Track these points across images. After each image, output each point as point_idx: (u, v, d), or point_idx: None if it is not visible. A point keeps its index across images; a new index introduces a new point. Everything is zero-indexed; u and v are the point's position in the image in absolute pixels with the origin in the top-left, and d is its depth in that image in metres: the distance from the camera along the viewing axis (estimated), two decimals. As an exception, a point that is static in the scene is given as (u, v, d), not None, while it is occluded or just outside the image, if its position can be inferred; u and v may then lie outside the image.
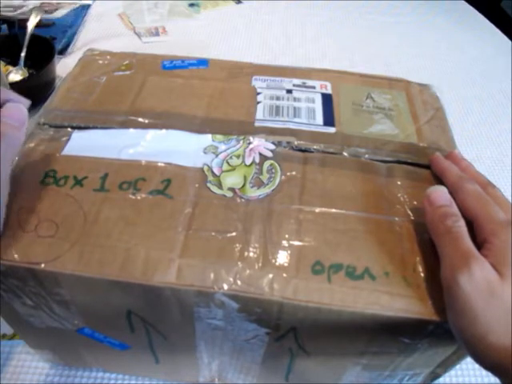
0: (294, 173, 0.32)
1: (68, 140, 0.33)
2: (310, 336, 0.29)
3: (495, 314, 0.23)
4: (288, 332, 0.29)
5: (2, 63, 0.68)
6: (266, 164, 0.32)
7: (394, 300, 0.26)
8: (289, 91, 0.39)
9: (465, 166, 0.32)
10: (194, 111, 0.36)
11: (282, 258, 0.27)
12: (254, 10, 0.94)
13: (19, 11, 0.80)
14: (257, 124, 0.36)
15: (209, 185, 0.31)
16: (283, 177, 0.32)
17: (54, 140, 0.33)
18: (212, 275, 0.26)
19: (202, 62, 0.42)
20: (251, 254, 0.27)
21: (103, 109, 0.36)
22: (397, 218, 0.30)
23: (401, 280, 0.27)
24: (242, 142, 0.34)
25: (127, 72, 0.40)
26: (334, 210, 0.30)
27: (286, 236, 0.28)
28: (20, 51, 0.68)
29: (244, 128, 0.35)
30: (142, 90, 0.38)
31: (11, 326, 0.36)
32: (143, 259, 0.27)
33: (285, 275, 0.26)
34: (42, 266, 0.26)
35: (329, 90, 0.40)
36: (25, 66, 0.68)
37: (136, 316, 0.30)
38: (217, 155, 0.33)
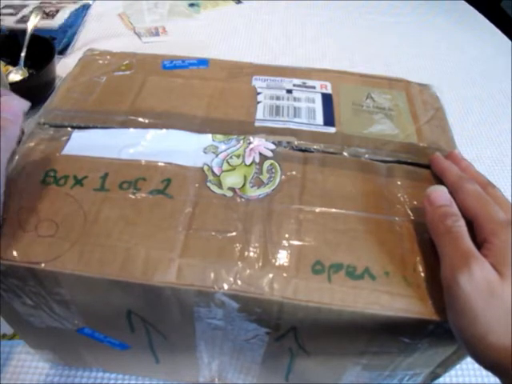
0: (294, 173, 0.32)
1: (68, 140, 0.33)
2: (310, 336, 0.29)
3: (495, 313, 0.23)
4: (288, 332, 0.29)
5: (2, 63, 0.68)
6: (266, 164, 0.32)
7: (394, 300, 0.26)
8: (289, 91, 0.39)
9: (465, 165, 0.32)
10: (194, 111, 0.36)
11: (282, 257, 0.27)
12: (254, 10, 0.94)
13: (19, 16, 0.80)
14: (257, 124, 0.36)
15: (209, 184, 0.31)
16: (283, 176, 0.32)
17: (54, 140, 0.33)
18: (212, 275, 0.26)
19: (202, 62, 0.42)
20: (251, 254, 0.27)
21: (103, 108, 0.36)
22: (397, 218, 0.30)
23: (401, 280, 0.27)
24: (242, 141, 0.34)
25: (127, 72, 0.40)
26: (334, 210, 0.30)
27: (286, 236, 0.28)
28: (20, 51, 0.68)
29: (244, 128, 0.35)
30: (142, 89, 0.38)
31: (11, 326, 0.36)
32: (143, 259, 0.27)
33: (285, 275, 0.26)
34: (42, 265, 0.26)
35: (329, 90, 0.40)
36: (25, 66, 0.68)
37: (136, 316, 0.30)
38: (217, 155, 0.33)
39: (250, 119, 0.36)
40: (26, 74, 0.68)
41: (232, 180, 0.31)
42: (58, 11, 0.84)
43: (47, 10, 0.84)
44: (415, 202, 0.31)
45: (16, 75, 0.67)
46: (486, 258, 0.24)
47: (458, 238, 0.25)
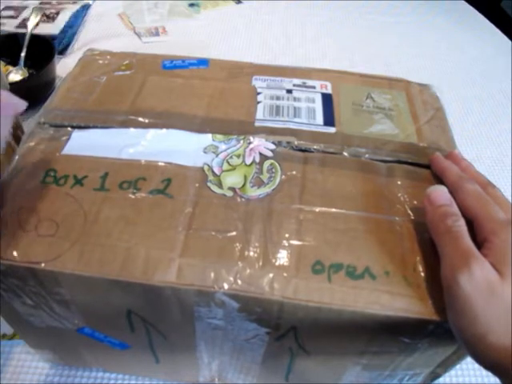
0: (294, 172, 0.32)
1: (68, 139, 0.33)
2: (310, 335, 0.29)
3: (495, 313, 0.23)
4: (288, 331, 0.29)
5: (2, 63, 0.68)
6: (266, 164, 0.32)
7: (394, 299, 0.26)
8: (289, 91, 0.39)
9: (465, 165, 0.32)
10: (194, 111, 0.36)
11: (283, 257, 0.27)
12: (254, 10, 0.94)
13: (20, 19, 0.80)
14: (257, 124, 0.36)
15: (209, 184, 0.31)
16: (283, 176, 0.32)
17: (54, 139, 0.33)
18: (212, 275, 0.26)
19: (203, 62, 0.42)
20: (251, 254, 0.27)
21: (103, 108, 0.36)
22: (397, 218, 0.30)
23: (401, 279, 0.27)
24: (242, 141, 0.34)
25: (127, 72, 0.40)
26: (334, 210, 0.30)
27: (287, 235, 0.28)
28: (20, 51, 0.68)
29: (244, 128, 0.35)
30: (142, 89, 0.38)
31: (11, 326, 0.36)
32: (143, 259, 0.27)
33: (285, 275, 0.26)
34: (42, 265, 0.26)
35: (329, 90, 0.40)
36: (25, 66, 0.68)
37: (136, 315, 0.30)
38: (217, 155, 0.33)
39: (250, 119, 0.36)
40: (26, 74, 0.68)
41: (232, 180, 0.31)
42: (58, 13, 0.84)
43: (47, 12, 0.83)
44: (415, 202, 0.31)
45: (16, 75, 0.67)
46: (486, 257, 0.24)
47: (458, 238, 0.25)
